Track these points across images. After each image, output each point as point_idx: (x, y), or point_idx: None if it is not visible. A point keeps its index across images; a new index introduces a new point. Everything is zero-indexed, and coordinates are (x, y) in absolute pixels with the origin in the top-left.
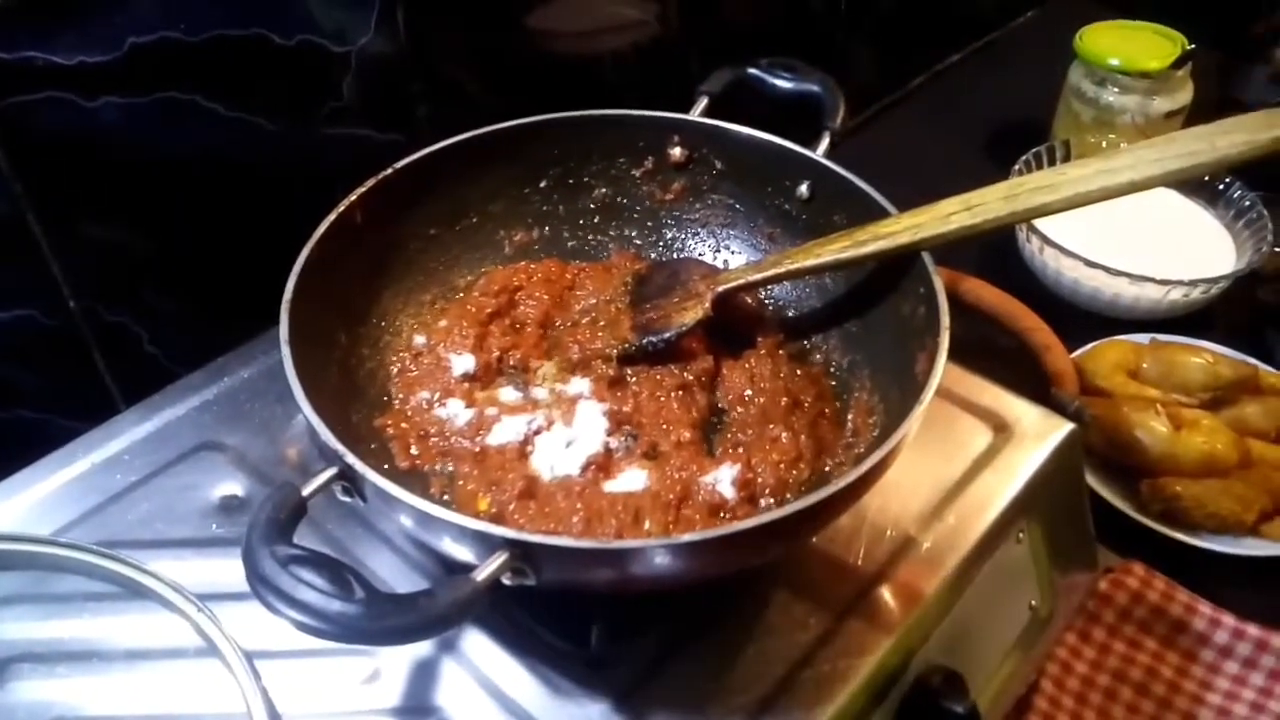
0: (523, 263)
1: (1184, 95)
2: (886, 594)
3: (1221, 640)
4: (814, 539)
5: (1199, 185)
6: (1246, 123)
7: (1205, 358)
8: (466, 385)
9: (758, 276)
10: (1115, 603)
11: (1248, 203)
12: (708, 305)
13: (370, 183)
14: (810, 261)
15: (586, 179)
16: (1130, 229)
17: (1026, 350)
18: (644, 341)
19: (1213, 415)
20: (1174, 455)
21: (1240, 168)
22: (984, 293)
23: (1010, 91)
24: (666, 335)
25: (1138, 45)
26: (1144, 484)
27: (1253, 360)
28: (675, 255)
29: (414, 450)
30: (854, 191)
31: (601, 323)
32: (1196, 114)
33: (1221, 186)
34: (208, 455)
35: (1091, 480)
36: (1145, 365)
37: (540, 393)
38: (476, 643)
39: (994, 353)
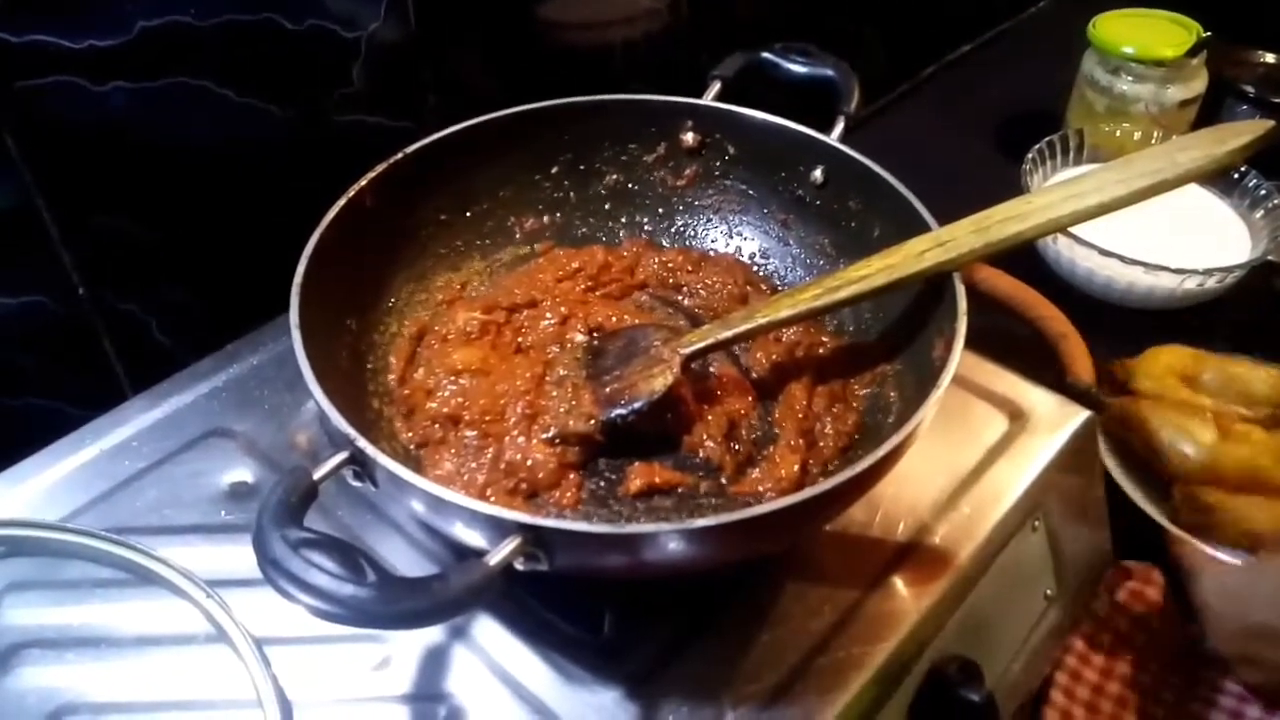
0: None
1: (1198, 84)
2: (900, 582)
3: None
4: (828, 526)
5: None
6: (1204, 138)
7: (1272, 373)
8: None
9: (727, 334)
10: (1129, 611)
11: (1263, 191)
12: (676, 369)
13: (381, 167)
14: (784, 314)
15: (598, 165)
16: (1145, 218)
17: (1042, 338)
18: (612, 415)
19: (1266, 431)
20: (1215, 464)
21: (1201, 180)
22: (1000, 281)
23: (1023, 81)
24: (636, 406)
25: (1151, 33)
26: (1177, 489)
27: None
28: (688, 244)
29: (424, 435)
30: (869, 176)
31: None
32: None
33: (1237, 175)
34: (217, 442)
35: (1122, 482)
36: (1207, 376)
37: None
38: (488, 629)
39: (1009, 341)
